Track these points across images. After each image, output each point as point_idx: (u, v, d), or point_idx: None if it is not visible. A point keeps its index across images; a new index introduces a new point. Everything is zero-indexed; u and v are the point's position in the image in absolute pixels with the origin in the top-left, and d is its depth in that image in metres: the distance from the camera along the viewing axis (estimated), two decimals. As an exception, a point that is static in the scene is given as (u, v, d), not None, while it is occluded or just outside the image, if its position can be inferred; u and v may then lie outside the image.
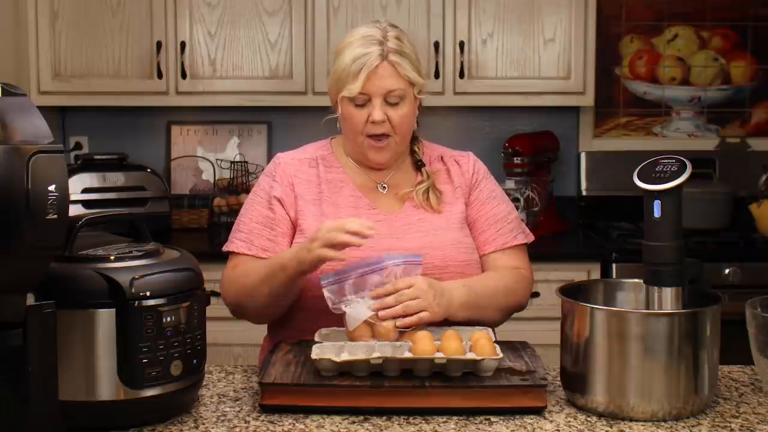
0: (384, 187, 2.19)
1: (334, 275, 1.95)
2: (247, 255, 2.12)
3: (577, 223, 4.07)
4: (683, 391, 1.67)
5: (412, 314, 1.91)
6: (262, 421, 1.68)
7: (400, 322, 1.91)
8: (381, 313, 1.90)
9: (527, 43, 3.77)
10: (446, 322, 2.03)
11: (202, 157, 4.12)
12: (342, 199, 2.15)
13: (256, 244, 2.12)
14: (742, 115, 4.15)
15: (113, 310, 1.58)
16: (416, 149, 2.22)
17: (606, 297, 1.90)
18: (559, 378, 1.82)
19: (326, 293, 1.93)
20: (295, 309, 2.11)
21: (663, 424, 1.67)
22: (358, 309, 1.90)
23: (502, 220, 2.20)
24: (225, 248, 2.17)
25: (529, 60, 3.78)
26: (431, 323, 1.96)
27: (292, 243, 2.12)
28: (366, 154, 2.15)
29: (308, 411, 1.70)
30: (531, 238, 2.24)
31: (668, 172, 1.70)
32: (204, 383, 1.82)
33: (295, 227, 2.14)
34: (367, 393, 1.70)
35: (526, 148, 3.85)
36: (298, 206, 2.14)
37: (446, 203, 2.18)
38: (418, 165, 2.21)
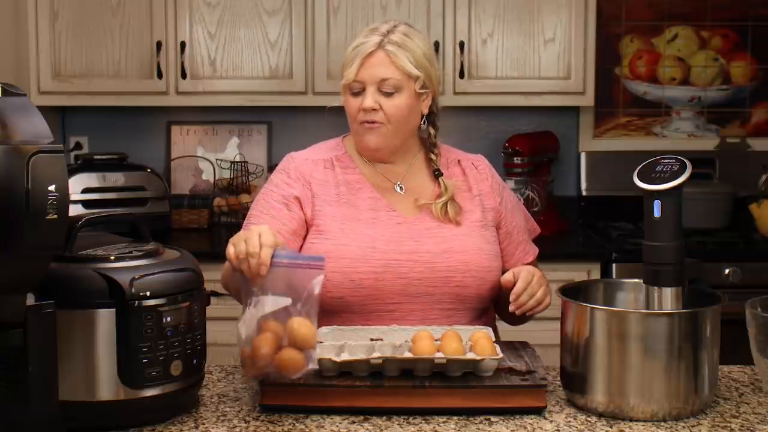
0: (401, 187, 2.15)
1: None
2: None
3: (577, 223, 4.07)
4: (683, 391, 1.67)
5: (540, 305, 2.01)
6: (262, 421, 1.68)
7: (530, 313, 2.02)
8: (516, 309, 1.99)
9: (527, 43, 3.77)
10: (446, 323, 2.03)
11: (202, 157, 4.12)
12: (360, 201, 2.11)
13: None
14: (742, 115, 4.15)
15: (113, 310, 1.58)
16: (433, 157, 2.18)
17: (606, 297, 1.90)
18: (559, 378, 1.82)
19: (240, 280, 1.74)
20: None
21: (663, 424, 1.67)
22: (257, 310, 1.67)
23: (525, 229, 2.25)
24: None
25: (529, 60, 3.77)
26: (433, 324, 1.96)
27: (304, 242, 2.08)
28: (360, 139, 2.12)
29: (308, 411, 1.70)
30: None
31: (668, 172, 1.70)
32: (204, 383, 1.82)
33: (308, 227, 2.09)
34: (367, 393, 1.70)
35: (526, 148, 3.84)
36: (315, 206, 2.09)
37: (465, 212, 2.14)
38: (436, 174, 2.16)
